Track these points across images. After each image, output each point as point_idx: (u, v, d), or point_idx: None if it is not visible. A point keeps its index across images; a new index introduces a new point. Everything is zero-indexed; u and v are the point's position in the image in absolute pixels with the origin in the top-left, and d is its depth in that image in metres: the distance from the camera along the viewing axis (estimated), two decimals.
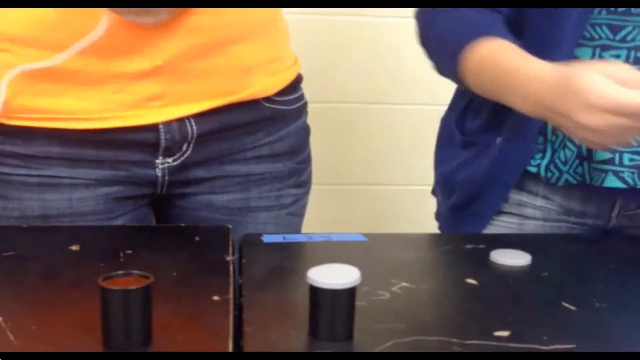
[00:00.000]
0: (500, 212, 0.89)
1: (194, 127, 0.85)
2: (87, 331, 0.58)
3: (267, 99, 0.89)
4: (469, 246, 0.80)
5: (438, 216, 0.98)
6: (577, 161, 0.84)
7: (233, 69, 0.85)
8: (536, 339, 0.60)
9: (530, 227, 0.89)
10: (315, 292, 0.58)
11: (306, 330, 0.60)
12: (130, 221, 0.87)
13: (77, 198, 0.84)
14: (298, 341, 0.59)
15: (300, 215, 0.97)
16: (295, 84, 0.93)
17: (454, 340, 0.60)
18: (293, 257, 0.76)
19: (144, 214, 0.90)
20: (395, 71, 1.54)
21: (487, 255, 0.77)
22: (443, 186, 0.96)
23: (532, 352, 0.58)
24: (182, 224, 0.89)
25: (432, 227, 1.00)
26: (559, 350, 0.58)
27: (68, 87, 0.79)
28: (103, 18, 0.76)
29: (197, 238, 0.79)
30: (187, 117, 0.84)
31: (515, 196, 0.89)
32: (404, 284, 0.70)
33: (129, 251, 0.74)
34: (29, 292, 0.66)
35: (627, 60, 0.79)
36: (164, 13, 0.77)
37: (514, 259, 0.75)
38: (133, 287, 0.56)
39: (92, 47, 0.76)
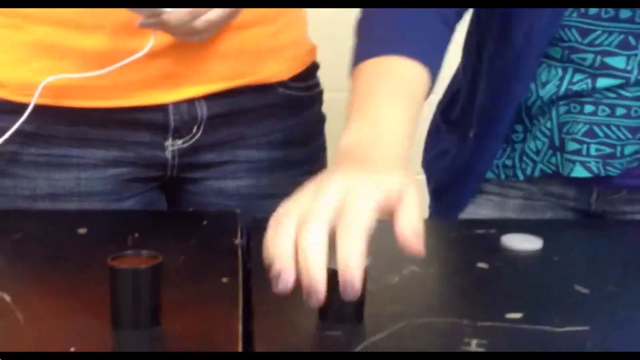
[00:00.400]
0: (482, 192, 0.90)
1: (204, 109, 0.84)
2: (95, 311, 0.57)
3: (282, 84, 0.88)
4: (480, 231, 0.79)
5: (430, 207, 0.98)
6: (550, 151, 0.85)
7: (246, 52, 0.84)
8: (549, 321, 0.59)
9: (511, 205, 0.90)
10: (327, 274, 0.57)
11: (316, 313, 0.60)
12: (139, 204, 0.87)
13: (85, 178, 0.84)
14: (308, 323, 0.59)
15: None
16: (310, 71, 0.92)
17: (465, 322, 0.59)
18: None
19: (153, 198, 0.89)
20: None
21: (497, 240, 0.76)
22: (425, 172, 0.97)
23: (545, 334, 0.57)
24: (191, 209, 0.89)
25: None
26: (572, 332, 0.58)
27: (80, 65, 0.79)
28: (151, 37, 0.76)
29: (205, 222, 0.79)
30: (198, 99, 0.83)
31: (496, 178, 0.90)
32: (414, 268, 0.69)
33: (137, 234, 0.74)
34: (37, 273, 0.66)
35: (592, 64, 0.79)
36: (211, 32, 0.76)
37: (525, 243, 0.75)
38: (142, 266, 0.55)
39: (102, 24, 0.76)
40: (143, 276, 0.55)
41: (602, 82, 0.79)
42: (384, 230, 0.80)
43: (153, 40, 0.76)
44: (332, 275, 0.57)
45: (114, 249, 0.59)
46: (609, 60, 0.78)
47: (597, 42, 0.78)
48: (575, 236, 0.81)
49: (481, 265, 0.70)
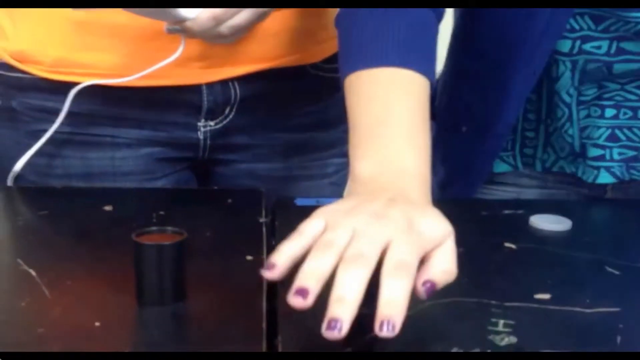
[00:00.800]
0: (497, 183, 0.88)
1: (238, 90, 0.83)
2: (120, 287, 0.58)
3: (314, 66, 0.87)
4: (508, 211, 0.78)
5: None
6: (570, 157, 0.84)
7: (279, 34, 0.83)
8: (579, 301, 0.58)
9: (528, 193, 0.88)
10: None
11: None
12: (171, 183, 0.87)
13: (119, 157, 0.84)
14: None
15: (343, 183, 0.95)
16: None
17: (493, 302, 0.58)
18: None
19: (185, 178, 0.89)
20: None
21: (526, 221, 0.75)
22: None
23: (575, 314, 0.56)
24: (216, 187, 0.89)
25: None
26: (603, 313, 0.57)
27: (113, 42, 0.79)
28: (181, 42, 0.75)
29: (230, 200, 0.78)
30: (231, 80, 0.83)
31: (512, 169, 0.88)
32: None
33: (162, 212, 0.74)
34: (63, 250, 0.66)
35: (608, 51, 0.75)
36: (239, 35, 0.76)
37: (554, 223, 0.73)
38: (167, 242, 0.55)
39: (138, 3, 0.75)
40: (167, 252, 0.55)
41: (618, 67, 0.76)
42: None
43: (183, 45, 0.76)
44: None
45: (139, 225, 0.60)
46: (625, 46, 0.74)
47: (613, 28, 0.74)
48: (605, 217, 0.79)
49: (509, 245, 0.69)
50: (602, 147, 0.81)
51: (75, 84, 0.79)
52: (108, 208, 0.75)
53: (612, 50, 0.75)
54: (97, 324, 0.53)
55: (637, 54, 0.75)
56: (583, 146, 0.82)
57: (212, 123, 0.84)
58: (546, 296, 0.59)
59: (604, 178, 0.82)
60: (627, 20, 0.73)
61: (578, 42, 0.76)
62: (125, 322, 0.54)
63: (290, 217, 0.75)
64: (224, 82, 0.82)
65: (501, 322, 0.55)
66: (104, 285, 0.59)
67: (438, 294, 0.59)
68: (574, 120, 0.81)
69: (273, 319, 0.56)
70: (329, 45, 0.88)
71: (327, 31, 0.87)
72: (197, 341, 0.52)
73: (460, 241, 0.71)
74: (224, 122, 0.85)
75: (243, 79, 0.83)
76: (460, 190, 0.88)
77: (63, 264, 0.63)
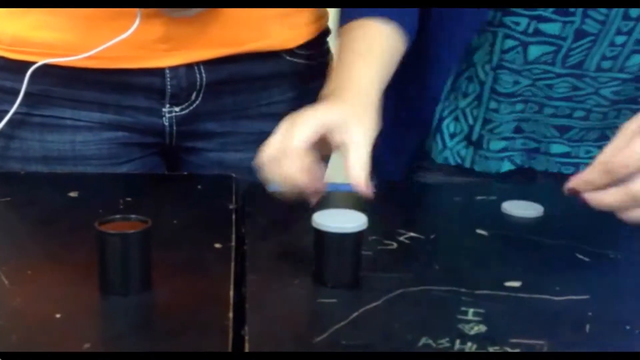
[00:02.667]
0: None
1: (204, 75, 0.81)
2: (84, 276, 0.56)
3: (288, 52, 0.85)
4: (480, 197, 0.77)
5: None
6: (464, 142, 0.85)
7: (247, 17, 0.80)
8: (548, 289, 0.58)
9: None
10: (321, 237, 0.56)
11: (310, 278, 0.58)
12: (137, 169, 0.85)
13: (79, 141, 0.82)
14: (302, 291, 0.57)
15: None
16: (320, 39, 0.88)
17: (463, 290, 0.58)
18: (298, 206, 0.73)
19: (153, 163, 0.87)
20: None
21: (498, 207, 0.74)
22: None
23: (544, 302, 0.56)
24: (185, 173, 0.87)
25: None
26: (572, 301, 0.56)
27: (72, 22, 0.76)
28: (137, 16, 0.73)
29: (199, 186, 0.77)
30: (197, 64, 0.80)
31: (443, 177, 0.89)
32: (412, 234, 0.68)
33: (129, 198, 0.72)
34: (25, 238, 0.64)
35: (526, 29, 0.75)
36: (197, 7, 0.74)
37: (526, 210, 0.73)
38: (131, 231, 0.54)
39: None
40: (131, 241, 0.53)
41: (534, 51, 0.76)
42: (382, 195, 0.78)
43: (139, 19, 0.73)
44: (329, 238, 0.56)
45: (105, 212, 0.58)
46: (543, 27, 0.74)
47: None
48: (577, 204, 0.79)
49: (480, 231, 0.69)
50: (507, 139, 0.83)
51: (32, 63, 0.77)
52: (73, 194, 0.73)
53: (530, 30, 0.75)
54: (57, 315, 0.51)
55: (552, 37, 0.75)
56: (480, 138, 0.83)
57: (177, 109, 0.82)
58: (516, 284, 0.59)
59: (505, 167, 0.84)
60: None
61: (499, 14, 0.76)
62: (88, 313, 0.53)
63: (261, 204, 0.74)
64: (189, 66, 0.80)
65: (471, 310, 0.55)
66: (66, 275, 0.57)
67: (408, 282, 0.59)
68: (483, 103, 0.81)
69: (241, 309, 0.55)
70: (305, 31, 0.85)
71: (303, 17, 0.85)
72: (161, 332, 0.51)
73: (432, 227, 0.70)
74: (190, 108, 0.82)
75: (209, 63, 0.80)
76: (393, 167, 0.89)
77: (24, 253, 0.61)
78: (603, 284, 0.60)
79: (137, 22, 0.74)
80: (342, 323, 0.52)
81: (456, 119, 0.84)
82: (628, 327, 0.53)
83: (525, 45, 0.76)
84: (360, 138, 0.63)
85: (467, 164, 0.85)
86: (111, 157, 0.83)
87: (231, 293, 0.56)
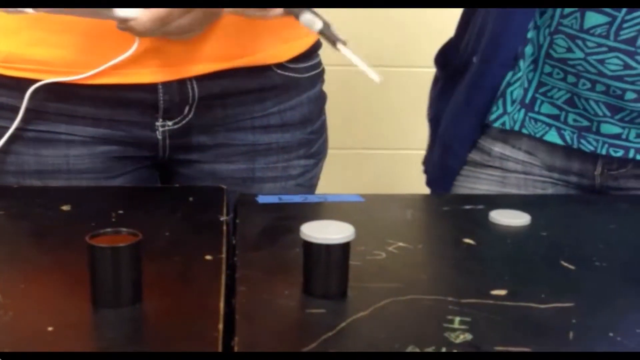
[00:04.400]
0: (483, 165, 0.89)
1: (196, 90, 0.82)
2: (76, 290, 0.57)
3: (279, 66, 0.86)
4: (468, 206, 0.78)
5: (426, 169, 0.99)
6: (519, 106, 0.87)
7: (241, 32, 0.81)
8: (534, 297, 0.59)
9: (512, 180, 0.90)
10: (309, 248, 0.57)
11: (299, 289, 0.59)
12: (130, 182, 0.86)
13: (73, 155, 0.83)
14: (291, 302, 0.58)
15: (309, 186, 0.93)
16: (312, 51, 0.89)
17: (449, 299, 0.58)
18: (288, 218, 0.74)
19: (146, 176, 0.88)
20: (398, 37, 1.52)
21: (485, 216, 0.75)
22: (431, 129, 0.99)
23: (529, 310, 0.57)
24: (177, 185, 0.88)
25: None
26: (557, 308, 0.57)
27: (66, 38, 0.77)
28: (135, 41, 0.74)
29: (191, 198, 0.78)
30: (189, 79, 0.81)
31: (498, 149, 0.90)
32: (401, 244, 0.69)
33: (121, 211, 0.73)
34: (18, 251, 0.65)
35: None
36: (193, 33, 0.74)
37: (513, 219, 0.74)
38: (121, 245, 0.55)
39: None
40: (122, 254, 0.54)
41: (590, 19, 0.78)
42: (370, 205, 0.80)
43: (137, 43, 0.75)
44: (316, 249, 0.57)
45: (97, 225, 0.59)
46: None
47: None
48: (564, 212, 0.80)
49: (468, 240, 0.70)
50: (558, 107, 0.84)
51: (27, 80, 0.78)
52: (66, 207, 0.74)
53: None
54: (49, 328, 0.52)
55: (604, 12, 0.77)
56: (534, 100, 0.84)
57: (170, 123, 0.83)
58: (502, 292, 0.60)
59: (551, 136, 0.85)
60: None
61: None
62: (80, 326, 0.54)
63: (252, 215, 0.75)
64: (181, 81, 0.81)
65: (457, 319, 0.56)
66: (58, 288, 0.58)
67: (396, 291, 0.60)
68: (538, 66, 0.83)
69: (231, 320, 0.55)
70: (296, 45, 0.86)
71: (295, 30, 0.85)
72: (152, 343, 0.51)
73: (420, 237, 0.71)
74: (183, 122, 0.83)
75: (202, 78, 0.81)
76: (455, 143, 0.91)
77: (17, 266, 0.62)
78: (588, 292, 0.61)
79: (136, 43, 0.75)
80: (330, 333, 0.53)
81: (520, 84, 0.86)
82: (611, 334, 0.54)
83: (582, 12, 0.78)
84: None
85: (517, 127, 0.88)
86: (105, 170, 0.84)
87: (221, 304, 0.56)
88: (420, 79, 1.55)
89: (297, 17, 0.64)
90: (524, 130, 0.88)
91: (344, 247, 0.57)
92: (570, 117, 0.85)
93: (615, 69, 0.80)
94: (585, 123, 0.84)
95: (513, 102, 0.87)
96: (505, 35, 0.84)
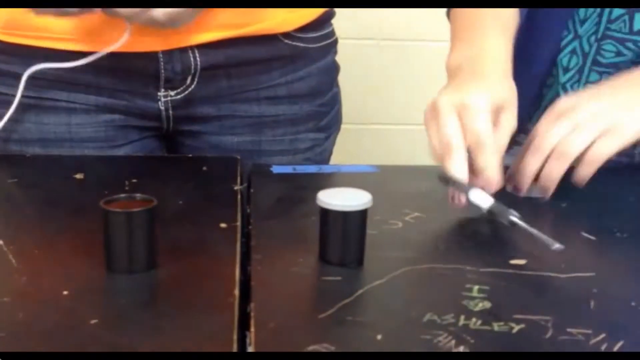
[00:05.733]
0: (516, 142, 0.87)
1: (198, 59, 0.80)
2: (90, 255, 0.56)
3: (287, 35, 0.83)
4: None
5: None
6: None
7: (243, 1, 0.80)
8: (554, 267, 0.58)
9: None
10: (326, 215, 0.56)
11: (315, 257, 0.58)
12: (135, 151, 0.85)
13: (75, 123, 0.82)
14: (307, 267, 0.58)
15: (319, 161, 0.91)
16: (323, 21, 0.87)
17: (468, 268, 0.58)
18: (302, 187, 0.74)
19: (151, 146, 0.87)
20: (413, 10, 1.50)
21: (504, 187, 0.74)
22: None
23: (549, 279, 0.56)
24: (190, 155, 0.87)
25: None
26: (578, 278, 0.56)
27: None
28: (126, 31, 0.73)
29: (204, 168, 0.77)
30: (191, 48, 0.80)
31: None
32: (417, 213, 0.68)
33: (134, 180, 0.72)
34: (32, 218, 0.65)
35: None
36: (187, 18, 0.73)
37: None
38: (136, 209, 0.54)
39: None
40: (136, 219, 0.54)
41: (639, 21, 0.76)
42: (385, 176, 0.79)
43: (128, 34, 0.74)
44: (333, 216, 0.56)
45: (111, 193, 0.58)
46: None
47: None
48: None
49: None
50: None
51: (28, 47, 0.77)
52: (79, 176, 0.73)
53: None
54: (64, 292, 0.52)
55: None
56: None
57: (172, 93, 0.82)
58: (521, 262, 0.59)
59: None
60: None
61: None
62: (94, 290, 0.53)
63: (266, 185, 0.74)
64: (183, 50, 0.79)
65: (476, 287, 0.55)
66: (73, 254, 0.58)
67: (413, 261, 0.59)
68: (583, 76, 0.82)
69: (247, 288, 0.55)
70: (304, 13, 0.84)
71: None
72: (167, 308, 0.51)
73: (437, 207, 0.70)
74: (186, 92, 0.82)
75: (204, 47, 0.80)
76: None
77: (31, 233, 0.61)
78: (608, 262, 0.60)
79: (126, 35, 0.74)
80: (347, 300, 0.53)
81: (557, 94, 0.84)
82: (633, 304, 0.53)
83: (631, 13, 0.77)
84: (513, 122, 0.67)
85: None
86: (108, 139, 0.83)
87: (237, 271, 0.56)
88: (435, 52, 1.53)
89: (466, 193, 0.66)
90: None
91: (362, 214, 0.56)
92: None
93: None
94: None
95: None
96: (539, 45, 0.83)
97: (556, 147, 0.66)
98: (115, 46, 0.75)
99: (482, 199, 0.64)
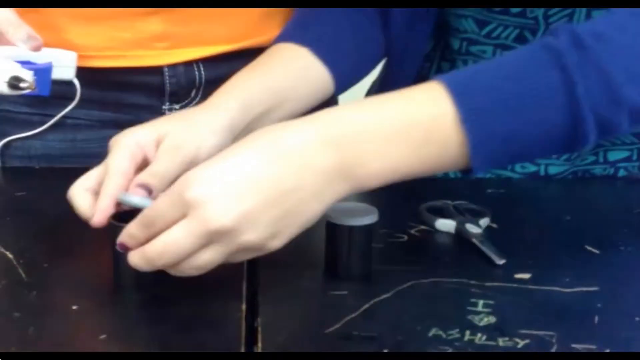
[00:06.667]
0: None
1: (202, 73, 0.81)
2: (99, 270, 0.57)
3: None
4: (490, 190, 0.78)
5: None
6: None
7: (248, 13, 0.80)
8: (558, 281, 0.58)
9: None
10: (333, 230, 0.57)
11: (322, 271, 0.59)
12: None
13: (80, 139, 0.82)
14: (313, 283, 0.58)
15: None
16: None
17: (473, 282, 0.58)
18: None
19: None
20: None
21: (510, 200, 0.75)
22: None
23: (554, 294, 0.56)
24: None
25: None
26: (582, 292, 0.57)
27: (72, 22, 0.77)
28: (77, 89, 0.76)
29: None
30: (196, 61, 0.80)
31: None
32: (422, 227, 0.68)
33: None
34: (41, 231, 0.65)
35: (493, 56, 0.75)
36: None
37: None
38: None
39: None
40: None
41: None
42: (393, 189, 0.79)
43: (77, 100, 0.76)
44: (341, 231, 0.57)
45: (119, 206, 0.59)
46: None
47: (494, 34, 0.75)
48: (588, 195, 0.79)
49: (491, 224, 0.69)
50: None
51: None
52: None
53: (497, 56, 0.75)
54: (74, 307, 0.52)
55: None
56: None
57: (177, 106, 0.82)
58: (526, 276, 0.59)
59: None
60: (505, 25, 0.73)
61: (465, 44, 0.77)
62: (103, 305, 0.54)
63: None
64: (188, 64, 0.80)
65: (481, 302, 0.55)
66: (82, 268, 0.58)
67: (419, 274, 0.59)
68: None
69: (254, 301, 0.55)
70: None
71: None
72: (175, 323, 0.52)
73: None
74: (190, 105, 0.82)
75: (208, 61, 0.81)
76: None
77: (41, 247, 0.62)
78: (612, 276, 0.60)
79: (75, 100, 0.76)
80: (353, 314, 0.53)
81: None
82: (637, 319, 0.54)
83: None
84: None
85: None
86: None
87: (244, 286, 0.56)
88: None
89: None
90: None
91: (368, 229, 0.57)
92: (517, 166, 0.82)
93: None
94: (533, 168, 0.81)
95: None
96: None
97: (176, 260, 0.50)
98: (65, 111, 0.78)
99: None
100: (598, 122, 0.52)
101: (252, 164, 0.49)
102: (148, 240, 0.50)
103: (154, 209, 0.50)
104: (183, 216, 0.48)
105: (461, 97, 0.51)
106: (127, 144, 0.60)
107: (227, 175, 0.48)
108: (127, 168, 0.59)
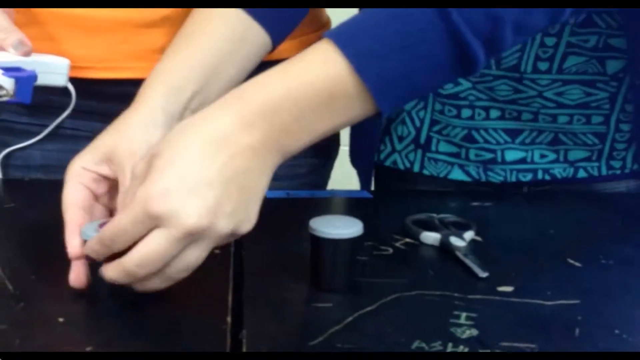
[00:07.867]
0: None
1: None
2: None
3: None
4: (475, 203, 0.79)
5: None
6: (412, 146, 0.86)
7: None
8: (540, 294, 0.59)
9: None
10: (317, 242, 0.57)
11: (307, 283, 0.60)
12: None
13: (80, 150, 0.83)
14: (298, 295, 0.59)
15: (318, 185, 0.92)
16: None
17: (456, 294, 0.59)
18: (295, 212, 0.75)
19: None
20: None
21: (494, 212, 0.76)
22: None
23: (536, 307, 0.57)
24: None
25: None
26: (563, 305, 0.58)
27: (72, 33, 0.77)
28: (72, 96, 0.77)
29: None
30: None
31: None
32: (408, 240, 0.69)
33: None
34: (28, 243, 0.66)
35: None
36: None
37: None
38: None
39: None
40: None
41: None
42: (379, 201, 0.80)
43: (70, 109, 0.77)
44: (325, 244, 0.57)
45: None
46: None
47: None
48: (570, 208, 0.80)
49: (476, 237, 0.70)
50: (459, 145, 0.83)
51: None
52: None
53: None
54: (60, 319, 0.52)
55: None
56: (429, 139, 0.84)
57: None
58: (509, 289, 0.60)
59: (456, 174, 0.85)
60: None
61: None
62: (89, 316, 0.54)
63: (259, 210, 0.75)
64: None
65: (463, 314, 0.56)
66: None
67: (403, 287, 0.60)
68: (429, 104, 0.83)
69: (239, 313, 0.56)
70: (303, 40, 0.84)
71: (302, 27, 0.83)
72: (160, 336, 0.52)
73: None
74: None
75: None
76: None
77: (28, 258, 0.62)
78: (593, 289, 0.61)
79: (71, 106, 0.77)
80: (337, 327, 0.54)
81: (403, 122, 0.86)
82: (617, 332, 0.55)
83: None
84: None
85: (416, 168, 0.87)
86: None
87: (229, 297, 0.57)
88: None
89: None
90: (425, 171, 0.86)
91: (352, 242, 0.58)
92: (472, 152, 0.83)
93: (506, 93, 0.79)
94: (489, 155, 0.83)
95: (400, 138, 0.86)
96: None
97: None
98: (59, 119, 0.78)
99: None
100: (480, 39, 0.54)
101: (197, 162, 0.51)
102: (110, 256, 0.52)
103: (116, 226, 0.52)
104: (150, 230, 0.51)
105: (348, 48, 0.54)
106: (73, 174, 0.61)
107: (182, 181, 0.51)
108: (79, 200, 0.60)
